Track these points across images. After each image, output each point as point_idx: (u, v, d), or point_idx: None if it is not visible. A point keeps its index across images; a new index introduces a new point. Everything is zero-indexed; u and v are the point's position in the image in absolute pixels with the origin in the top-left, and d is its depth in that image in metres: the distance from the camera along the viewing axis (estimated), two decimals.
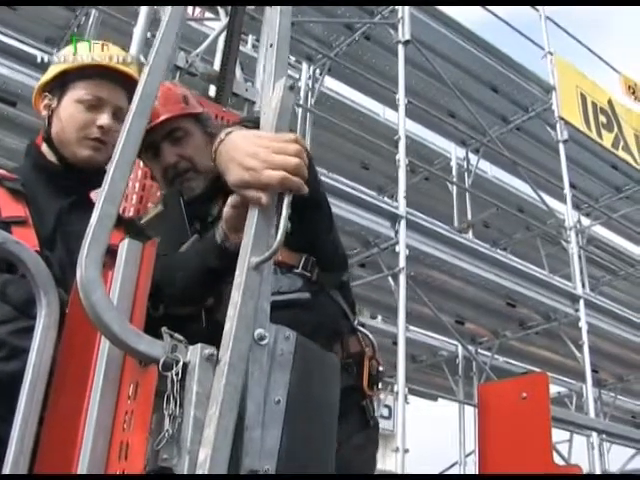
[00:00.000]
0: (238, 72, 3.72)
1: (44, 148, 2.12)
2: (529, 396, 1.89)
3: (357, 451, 1.98)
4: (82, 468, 1.28)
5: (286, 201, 1.35)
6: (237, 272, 1.34)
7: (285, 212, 1.33)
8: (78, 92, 2.08)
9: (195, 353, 1.27)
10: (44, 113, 2.13)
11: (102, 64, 2.10)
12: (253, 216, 1.37)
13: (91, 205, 2.24)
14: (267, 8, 1.68)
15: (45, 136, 2.12)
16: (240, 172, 1.38)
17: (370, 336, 2.10)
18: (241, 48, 5.80)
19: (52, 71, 2.13)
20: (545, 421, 1.87)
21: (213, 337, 1.83)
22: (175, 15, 1.53)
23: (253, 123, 1.59)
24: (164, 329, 1.29)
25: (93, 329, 1.40)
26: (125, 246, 1.45)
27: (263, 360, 1.30)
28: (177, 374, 1.25)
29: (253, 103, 3.71)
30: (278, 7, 1.64)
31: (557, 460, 1.84)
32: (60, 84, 2.11)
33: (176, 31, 1.53)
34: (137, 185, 2.81)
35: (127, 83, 2.13)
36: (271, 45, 1.59)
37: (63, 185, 2.07)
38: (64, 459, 1.34)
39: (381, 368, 2.06)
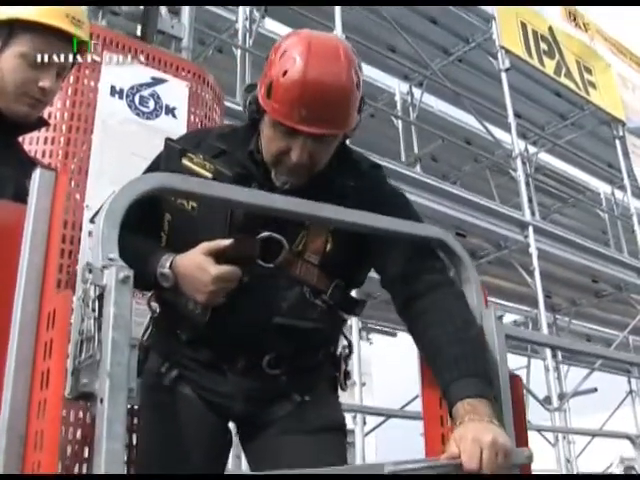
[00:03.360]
0: (163, 9, 3.63)
1: None
2: None
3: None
4: (5, 401, 1.27)
5: None
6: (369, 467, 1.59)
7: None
8: (25, 46, 1.99)
9: (111, 276, 1.25)
10: None
11: (56, 26, 2.00)
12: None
13: (20, 150, 2.20)
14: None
15: None
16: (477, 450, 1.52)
17: (349, 337, 2.17)
18: None
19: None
20: None
21: (205, 330, 1.88)
22: None
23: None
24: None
25: (11, 263, 1.38)
26: (37, 176, 1.42)
27: None
28: (94, 297, 1.25)
29: (180, 40, 3.65)
30: (474, 288, 1.84)
31: None
32: (7, 30, 1.99)
33: None
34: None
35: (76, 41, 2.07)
36: (496, 398, 1.70)
37: None
38: None
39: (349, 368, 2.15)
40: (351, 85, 1.82)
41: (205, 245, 1.78)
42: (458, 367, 1.68)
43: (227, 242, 1.78)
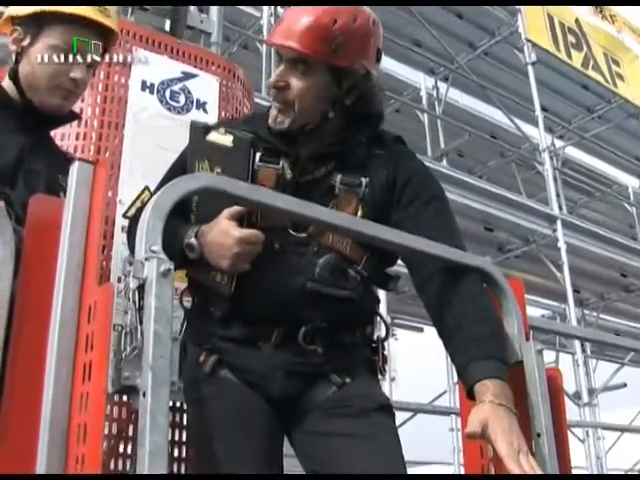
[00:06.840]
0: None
1: (6, 83, 2.05)
2: None
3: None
4: (47, 394, 1.27)
5: None
6: None
7: None
8: (54, 38, 2.01)
9: (152, 268, 1.24)
10: (12, 48, 2.04)
11: (82, 15, 2.02)
12: None
13: (51, 144, 2.22)
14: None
15: (11, 74, 2.04)
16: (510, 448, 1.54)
17: (384, 318, 2.16)
18: None
19: (27, 7, 2.02)
20: None
21: (238, 301, 1.86)
22: None
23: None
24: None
25: (50, 257, 1.38)
26: (75, 168, 1.41)
27: None
28: (135, 290, 1.24)
29: (209, 35, 3.65)
30: (515, 321, 1.80)
31: None
32: (35, 23, 2.02)
33: None
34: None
35: (104, 31, 2.09)
36: (539, 434, 1.70)
37: (24, 122, 2.01)
38: (30, 390, 1.31)
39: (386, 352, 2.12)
40: (327, 16, 1.88)
41: (228, 210, 1.81)
42: (478, 347, 1.72)
43: None
